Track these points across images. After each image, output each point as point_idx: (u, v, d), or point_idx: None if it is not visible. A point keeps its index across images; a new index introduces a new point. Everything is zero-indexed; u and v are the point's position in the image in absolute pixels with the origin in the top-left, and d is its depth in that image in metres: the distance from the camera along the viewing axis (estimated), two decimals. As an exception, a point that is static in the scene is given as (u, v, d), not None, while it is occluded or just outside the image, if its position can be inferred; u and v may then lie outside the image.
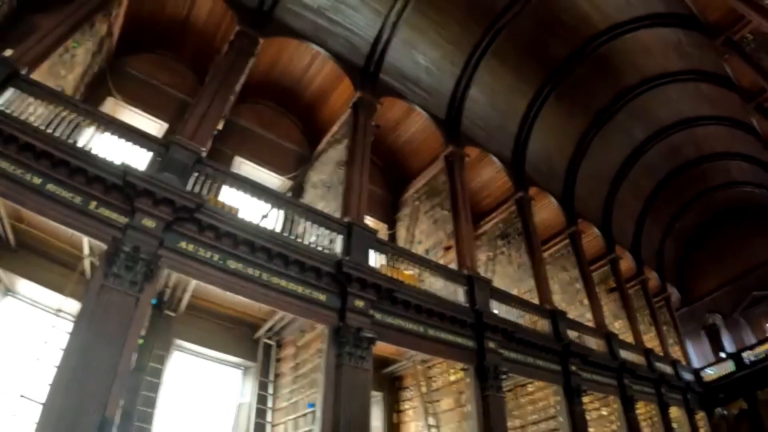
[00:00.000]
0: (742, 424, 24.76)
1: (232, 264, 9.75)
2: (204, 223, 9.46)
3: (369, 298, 10.97)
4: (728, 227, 31.37)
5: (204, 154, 10.59)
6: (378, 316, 11.26)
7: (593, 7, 18.36)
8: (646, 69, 21.08)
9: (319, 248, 11.11)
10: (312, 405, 10.55)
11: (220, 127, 13.80)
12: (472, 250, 15.38)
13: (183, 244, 9.25)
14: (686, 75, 20.82)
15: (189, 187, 9.77)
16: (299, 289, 10.40)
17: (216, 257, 9.58)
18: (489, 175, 20.55)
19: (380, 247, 12.49)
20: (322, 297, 10.63)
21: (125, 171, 8.60)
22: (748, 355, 25.28)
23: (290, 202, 11.54)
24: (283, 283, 10.25)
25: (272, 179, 16.35)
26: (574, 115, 22.03)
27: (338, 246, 11.52)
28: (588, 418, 17.18)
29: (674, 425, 21.13)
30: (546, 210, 22.19)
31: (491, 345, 13.20)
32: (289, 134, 17.73)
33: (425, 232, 17.74)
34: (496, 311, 14.44)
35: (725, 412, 25.52)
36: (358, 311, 10.72)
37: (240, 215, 10.34)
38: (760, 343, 25.65)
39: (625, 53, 20.25)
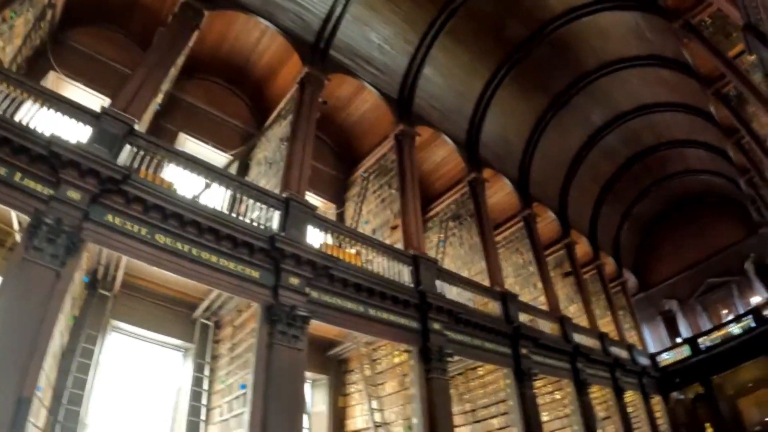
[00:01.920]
0: (698, 408, 25.25)
1: (161, 238, 9.27)
2: (131, 196, 8.95)
3: (304, 275, 10.58)
4: (686, 215, 31.87)
5: (137, 126, 10.03)
6: (314, 294, 10.89)
7: (551, -13, 18.16)
8: (605, 53, 21.00)
9: (255, 224, 10.68)
10: (244, 386, 10.18)
11: (159, 100, 13.34)
12: (419, 229, 15.09)
13: (109, 217, 8.75)
14: (645, 60, 20.80)
15: (122, 160, 9.29)
16: (231, 265, 9.96)
17: (143, 231, 9.09)
18: (442, 156, 20.30)
19: (319, 223, 12.03)
20: (255, 274, 10.20)
21: (51, 141, 8.12)
22: (703, 341, 25.74)
23: (224, 175, 11.00)
24: (214, 258, 9.79)
25: (218, 157, 15.86)
26: (531, 97, 21.86)
27: (275, 222, 11.10)
28: (541, 402, 17.22)
29: (630, 409, 21.30)
30: (500, 193, 22.11)
31: (436, 326, 12.94)
32: (237, 111, 17.21)
33: (373, 212, 17.40)
34: (444, 292, 14.14)
35: (681, 396, 26.00)
36: (292, 289, 10.32)
37: (178, 191, 9.87)
38: (716, 328, 26.17)
39: (583, 36, 20.13)
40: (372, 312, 11.96)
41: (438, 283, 14.20)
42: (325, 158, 18.95)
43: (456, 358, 13.70)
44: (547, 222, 24.25)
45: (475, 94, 20.21)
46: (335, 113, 18.40)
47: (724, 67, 15.38)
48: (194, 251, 9.64)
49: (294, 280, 10.44)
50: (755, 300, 26.53)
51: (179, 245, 9.49)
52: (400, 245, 14.54)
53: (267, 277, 10.34)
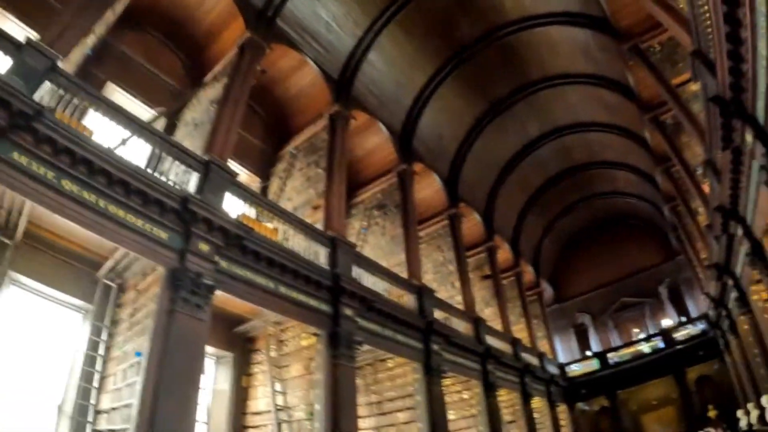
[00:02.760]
0: (602, 420, 26.23)
1: (67, 185, 8.53)
2: (41, 135, 8.17)
3: (215, 242, 10.08)
4: (607, 234, 33.05)
5: (60, 63, 9.30)
6: (224, 264, 10.41)
7: (509, -5, 18.21)
8: (551, 66, 21.32)
9: (170, 182, 10.12)
10: (140, 354, 9.61)
11: (90, 42, 12.49)
12: (341, 212, 14.83)
13: (15, 155, 7.95)
14: (589, 79, 21.24)
15: (40, 98, 8.57)
16: (139, 222, 9.32)
17: (50, 175, 8.32)
18: (375, 144, 20.09)
19: (239, 192, 11.55)
20: (163, 235, 9.61)
21: (-46, 68, 7.41)
22: (612, 356, 26.82)
23: (146, 128, 10.33)
24: (122, 213, 9.12)
25: (146, 113, 15.07)
26: (472, 99, 22.00)
27: (192, 184, 10.54)
28: (449, 400, 17.28)
29: (536, 415, 21.78)
30: (429, 189, 22.18)
31: (347, 312, 12.70)
32: (172, 69, 16.34)
33: (297, 189, 16.94)
34: (361, 279, 13.92)
35: (587, 408, 26.98)
36: (200, 255, 9.81)
37: (98, 141, 9.18)
38: (625, 345, 27.40)
39: (533, 46, 20.35)
40: (283, 290, 11.56)
41: (355, 269, 13.98)
42: (256, 130, 18.36)
43: (366, 347, 13.48)
44: (471, 224, 24.55)
45: (416, 86, 20.17)
46: (273, 85, 17.91)
47: (665, 92, 15.74)
48: (101, 203, 8.96)
49: (203, 246, 9.93)
50: (666, 322, 27.71)
51: (86, 195, 8.79)
52: (320, 226, 14.21)
53: (176, 240, 9.77)
